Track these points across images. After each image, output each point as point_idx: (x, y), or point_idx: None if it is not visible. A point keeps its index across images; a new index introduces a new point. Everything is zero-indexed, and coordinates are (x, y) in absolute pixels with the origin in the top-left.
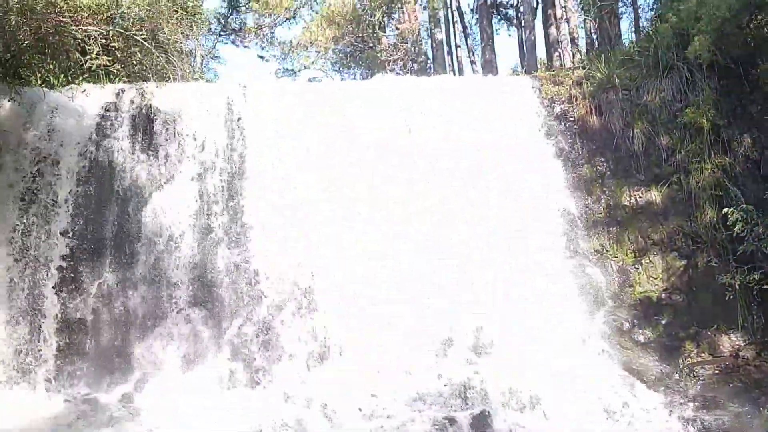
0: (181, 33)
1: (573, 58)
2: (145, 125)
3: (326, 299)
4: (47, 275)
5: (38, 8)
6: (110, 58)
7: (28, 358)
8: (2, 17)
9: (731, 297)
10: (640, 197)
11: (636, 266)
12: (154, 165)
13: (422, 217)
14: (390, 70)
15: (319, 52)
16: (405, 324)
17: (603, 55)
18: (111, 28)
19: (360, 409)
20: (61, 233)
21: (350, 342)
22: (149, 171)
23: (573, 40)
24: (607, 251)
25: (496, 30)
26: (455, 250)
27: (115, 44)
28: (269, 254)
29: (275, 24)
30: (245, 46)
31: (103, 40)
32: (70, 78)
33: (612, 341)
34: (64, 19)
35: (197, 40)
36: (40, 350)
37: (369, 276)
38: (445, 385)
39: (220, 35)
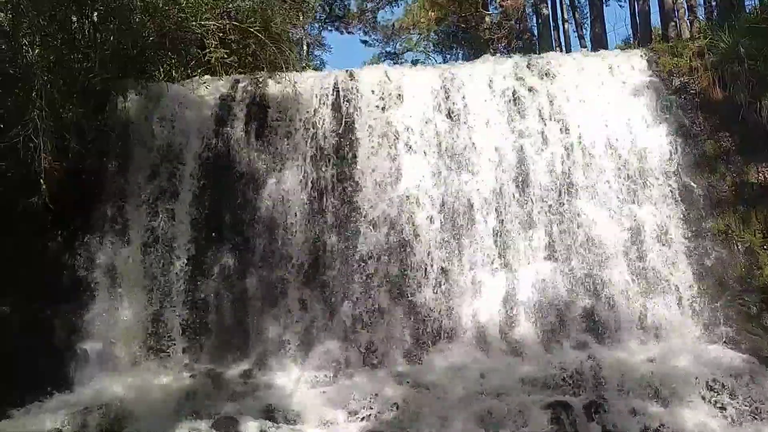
0: (290, 23)
1: (691, 27)
2: (259, 114)
3: (434, 283)
4: (175, 258)
5: (160, 5)
6: (226, 51)
7: (158, 335)
8: (128, 15)
9: None
10: None
11: (765, 247)
12: (267, 152)
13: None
14: (494, 50)
15: (421, 34)
16: (518, 305)
17: (726, 24)
18: (228, 21)
19: (469, 390)
20: (185, 219)
21: (459, 324)
22: (264, 158)
23: (691, 8)
24: (732, 232)
25: (606, 1)
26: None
27: (231, 37)
28: (378, 239)
29: (378, 8)
30: (349, 32)
31: (220, 34)
32: (189, 71)
33: (738, 327)
34: (184, 15)
35: (303, 28)
36: (169, 328)
37: (480, 258)
38: (556, 369)
39: (325, 22)
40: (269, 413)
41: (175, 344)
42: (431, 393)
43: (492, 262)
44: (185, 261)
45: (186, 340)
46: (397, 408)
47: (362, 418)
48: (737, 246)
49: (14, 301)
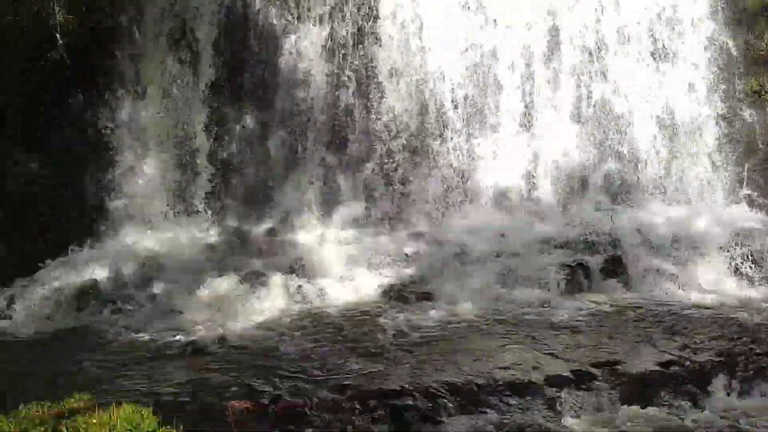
0: None
1: None
2: None
3: (456, 145)
4: (196, 118)
5: None
6: None
7: (182, 193)
8: None
9: None
10: None
11: None
12: (285, 8)
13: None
14: None
15: None
16: (541, 167)
17: None
18: None
19: (488, 249)
20: (203, 76)
21: (480, 186)
22: (282, 14)
23: None
24: (766, 93)
25: None
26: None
27: None
28: (401, 99)
29: None
30: None
31: None
32: None
33: (762, 190)
34: None
35: None
36: (192, 187)
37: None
38: (576, 229)
39: None
40: (293, 269)
41: (199, 203)
42: (451, 251)
43: (516, 125)
44: (206, 120)
45: (210, 199)
46: (417, 265)
47: (383, 274)
48: None
49: (43, 158)
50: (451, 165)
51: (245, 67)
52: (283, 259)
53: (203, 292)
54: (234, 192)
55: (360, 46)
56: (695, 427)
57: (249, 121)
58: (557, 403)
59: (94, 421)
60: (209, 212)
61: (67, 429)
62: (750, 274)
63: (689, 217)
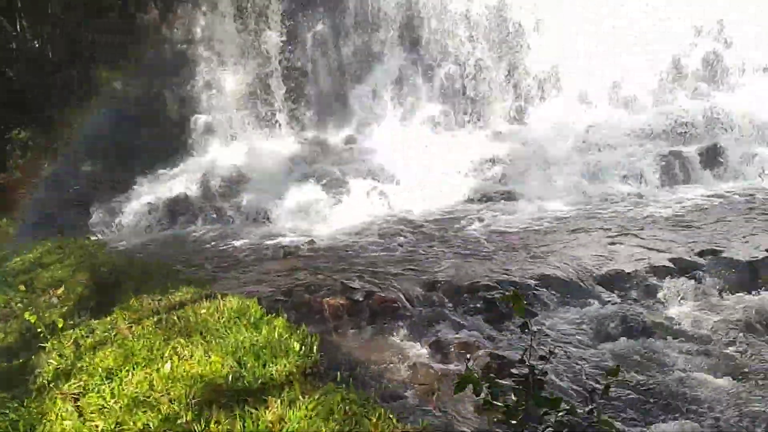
0: None
1: None
2: None
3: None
4: (268, 28)
5: None
6: None
7: (260, 105)
8: None
9: None
10: None
11: None
12: None
13: None
14: None
15: None
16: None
17: None
18: None
19: (573, 145)
20: None
21: (564, 80)
22: None
23: None
24: None
25: None
26: None
27: None
28: None
29: None
30: None
31: None
32: None
33: None
34: None
35: None
36: (270, 98)
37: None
38: (669, 119)
39: None
40: (374, 174)
41: (278, 114)
42: (534, 149)
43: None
44: (278, 30)
45: (289, 110)
46: (500, 165)
47: (465, 176)
48: None
49: (125, 76)
50: (533, 59)
51: None
52: (364, 165)
53: (288, 201)
54: (310, 101)
55: None
56: None
57: (321, 26)
58: (660, 293)
59: (203, 310)
60: (287, 124)
61: (178, 318)
62: None
63: None
